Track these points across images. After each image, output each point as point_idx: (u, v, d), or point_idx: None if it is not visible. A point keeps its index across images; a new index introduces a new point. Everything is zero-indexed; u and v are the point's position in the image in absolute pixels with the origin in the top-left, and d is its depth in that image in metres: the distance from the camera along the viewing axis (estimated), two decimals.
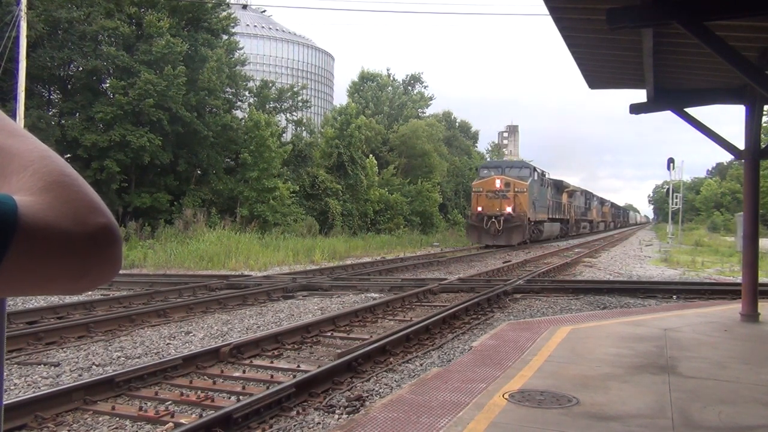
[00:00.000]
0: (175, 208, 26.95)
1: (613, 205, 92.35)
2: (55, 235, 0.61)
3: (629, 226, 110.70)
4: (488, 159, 60.17)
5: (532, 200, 33.06)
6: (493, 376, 5.66)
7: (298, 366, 6.90)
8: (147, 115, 25.23)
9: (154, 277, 15.74)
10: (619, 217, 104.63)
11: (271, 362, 7.19)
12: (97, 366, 6.92)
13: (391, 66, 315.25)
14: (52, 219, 0.61)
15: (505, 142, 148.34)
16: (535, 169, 35.29)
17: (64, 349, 7.73)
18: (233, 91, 32.16)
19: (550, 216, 38.72)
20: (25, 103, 20.67)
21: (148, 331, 8.93)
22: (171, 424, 4.90)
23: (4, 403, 0.79)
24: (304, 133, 40.14)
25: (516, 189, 31.95)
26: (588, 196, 59.08)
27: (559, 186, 43.46)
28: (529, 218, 32.07)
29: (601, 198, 73.20)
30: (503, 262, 21.42)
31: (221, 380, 6.41)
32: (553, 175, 45.23)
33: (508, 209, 31.31)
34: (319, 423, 5.12)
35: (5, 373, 0.80)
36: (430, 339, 8.54)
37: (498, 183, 32.30)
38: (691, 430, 4.35)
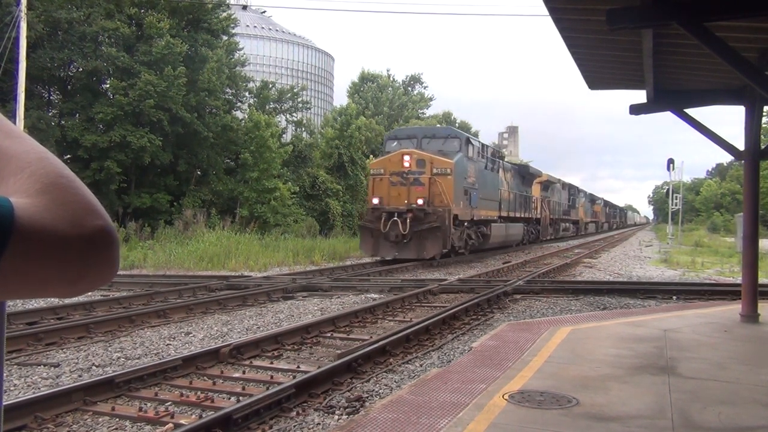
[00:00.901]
0: (175, 208, 26.97)
1: (607, 203, 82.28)
2: (52, 237, 0.60)
3: (628, 227, 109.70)
4: None
5: (465, 187, 21.83)
6: (493, 377, 5.66)
7: (298, 367, 6.89)
8: (147, 115, 25.25)
9: (154, 277, 15.73)
10: (616, 218, 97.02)
11: (271, 363, 7.18)
12: (96, 367, 6.92)
13: (391, 66, 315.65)
14: (49, 221, 0.61)
15: (505, 142, 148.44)
16: (470, 141, 23.00)
17: (64, 350, 7.73)
18: (233, 91, 32.21)
19: (506, 213, 27.23)
20: (25, 104, 20.69)
21: (148, 332, 8.93)
22: (171, 425, 4.90)
23: (4, 403, 0.78)
24: (304, 134, 40.18)
25: (435, 169, 20.68)
26: (573, 190, 49.20)
27: (524, 174, 32.32)
28: (456, 215, 20.88)
29: (592, 195, 64.26)
30: (503, 263, 21.44)
31: (221, 381, 6.41)
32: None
33: (420, 201, 20.28)
34: (319, 424, 5.12)
35: (5, 374, 0.80)
36: (430, 340, 8.53)
37: (406, 160, 20.81)
38: (691, 430, 4.35)
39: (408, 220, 20.06)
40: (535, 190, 34.98)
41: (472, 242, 23.48)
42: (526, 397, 5.02)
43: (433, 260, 20.32)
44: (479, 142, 25.23)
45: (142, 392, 5.85)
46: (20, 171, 0.65)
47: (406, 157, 20.94)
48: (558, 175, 45.20)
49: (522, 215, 30.47)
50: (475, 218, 22.98)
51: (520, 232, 30.21)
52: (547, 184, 38.57)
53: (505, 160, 32.45)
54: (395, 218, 20.26)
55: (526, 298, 12.65)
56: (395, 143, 22.77)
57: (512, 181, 29.23)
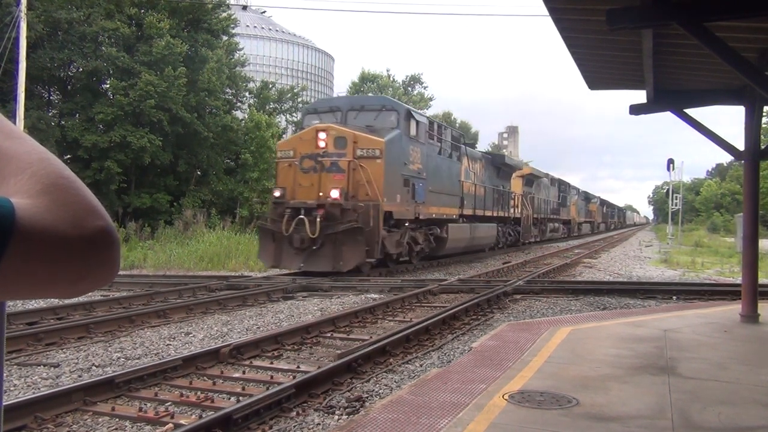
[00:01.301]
0: (175, 208, 27.00)
1: (604, 202, 77.33)
2: (53, 238, 0.61)
3: (627, 227, 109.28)
4: None
5: (405, 176, 16.76)
6: (493, 377, 5.66)
7: (298, 367, 6.89)
8: (147, 115, 25.28)
9: (154, 277, 15.73)
10: (614, 217, 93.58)
11: (271, 363, 7.18)
12: (96, 367, 6.92)
13: (391, 67, 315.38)
14: (50, 222, 0.61)
15: (505, 142, 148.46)
16: (411, 116, 17.36)
17: (64, 350, 7.72)
18: (233, 92, 32.27)
19: (471, 211, 22.35)
20: (25, 104, 20.70)
21: (148, 332, 8.93)
22: (171, 425, 4.90)
23: (4, 404, 0.79)
24: None
25: (359, 151, 15.61)
26: (564, 187, 44.03)
27: (499, 164, 26.67)
28: (389, 212, 16.02)
29: (586, 192, 59.78)
30: (503, 263, 21.43)
31: (221, 381, 6.41)
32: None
33: (335, 194, 15.21)
34: (319, 424, 5.12)
35: (5, 374, 0.80)
36: (430, 340, 8.53)
37: (322, 138, 15.57)
38: (691, 430, 4.35)
39: (318, 219, 14.93)
40: (515, 185, 29.92)
41: (421, 247, 18.62)
42: (526, 398, 5.02)
43: (360, 272, 15.50)
44: (428, 118, 19.65)
45: (142, 392, 5.85)
46: (21, 172, 0.65)
47: (321, 134, 15.55)
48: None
49: (496, 214, 25.61)
50: (421, 216, 17.85)
51: (493, 234, 25.40)
52: (531, 179, 33.41)
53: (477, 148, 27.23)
54: (302, 217, 15.09)
55: (526, 298, 12.65)
56: (315, 119, 17.34)
57: (482, 173, 24.19)
